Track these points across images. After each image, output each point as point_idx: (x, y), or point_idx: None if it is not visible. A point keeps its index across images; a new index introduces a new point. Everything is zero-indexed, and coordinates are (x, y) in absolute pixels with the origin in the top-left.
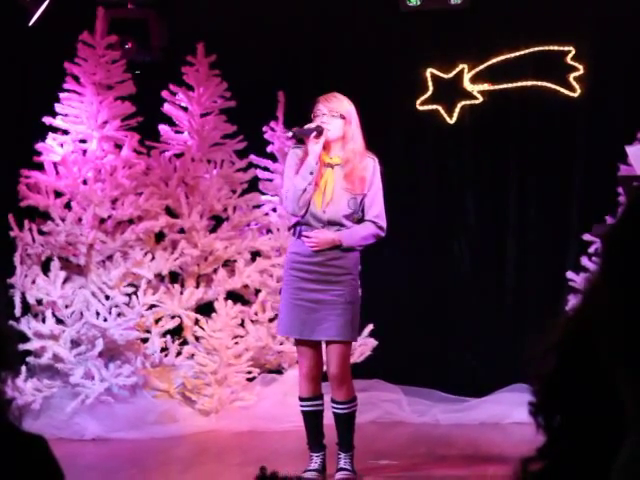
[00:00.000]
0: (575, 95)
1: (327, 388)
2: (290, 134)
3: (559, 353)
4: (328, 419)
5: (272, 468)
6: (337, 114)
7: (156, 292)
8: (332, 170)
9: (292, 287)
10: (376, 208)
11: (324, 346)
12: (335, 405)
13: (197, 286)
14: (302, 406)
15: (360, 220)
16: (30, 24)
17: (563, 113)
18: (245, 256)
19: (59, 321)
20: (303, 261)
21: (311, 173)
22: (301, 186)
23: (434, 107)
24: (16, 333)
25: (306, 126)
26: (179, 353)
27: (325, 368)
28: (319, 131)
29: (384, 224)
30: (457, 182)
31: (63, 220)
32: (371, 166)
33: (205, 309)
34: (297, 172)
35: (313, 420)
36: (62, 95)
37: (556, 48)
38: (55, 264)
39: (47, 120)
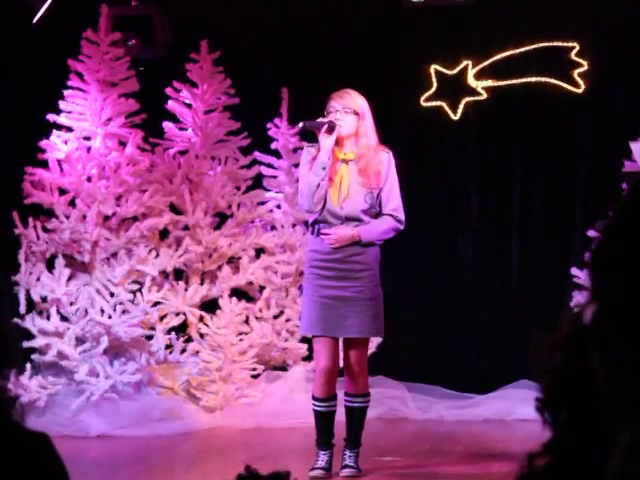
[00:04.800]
0: (579, 91)
1: (339, 384)
2: (300, 125)
3: (566, 349)
4: (338, 414)
5: (277, 465)
6: (350, 110)
7: (160, 289)
8: (347, 166)
9: (313, 285)
10: (393, 202)
11: (341, 341)
12: (349, 399)
13: (201, 283)
14: (316, 406)
15: (378, 214)
16: (34, 22)
17: (567, 109)
18: (249, 253)
19: (64, 318)
20: (323, 259)
21: (323, 168)
22: (314, 182)
23: (438, 103)
24: (20, 330)
25: (318, 119)
26: (184, 350)
27: (342, 362)
28: (331, 126)
29: (403, 217)
30: (461, 178)
31: (67, 217)
32: (386, 160)
33: (209, 306)
34: (311, 169)
35: (325, 420)
36: (66, 92)
37: (560, 44)
38: (59, 261)
39: (51, 117)
